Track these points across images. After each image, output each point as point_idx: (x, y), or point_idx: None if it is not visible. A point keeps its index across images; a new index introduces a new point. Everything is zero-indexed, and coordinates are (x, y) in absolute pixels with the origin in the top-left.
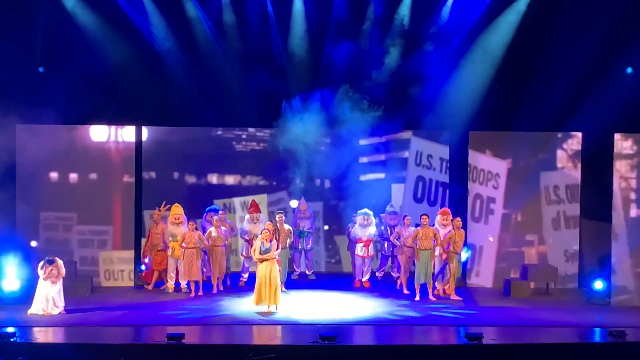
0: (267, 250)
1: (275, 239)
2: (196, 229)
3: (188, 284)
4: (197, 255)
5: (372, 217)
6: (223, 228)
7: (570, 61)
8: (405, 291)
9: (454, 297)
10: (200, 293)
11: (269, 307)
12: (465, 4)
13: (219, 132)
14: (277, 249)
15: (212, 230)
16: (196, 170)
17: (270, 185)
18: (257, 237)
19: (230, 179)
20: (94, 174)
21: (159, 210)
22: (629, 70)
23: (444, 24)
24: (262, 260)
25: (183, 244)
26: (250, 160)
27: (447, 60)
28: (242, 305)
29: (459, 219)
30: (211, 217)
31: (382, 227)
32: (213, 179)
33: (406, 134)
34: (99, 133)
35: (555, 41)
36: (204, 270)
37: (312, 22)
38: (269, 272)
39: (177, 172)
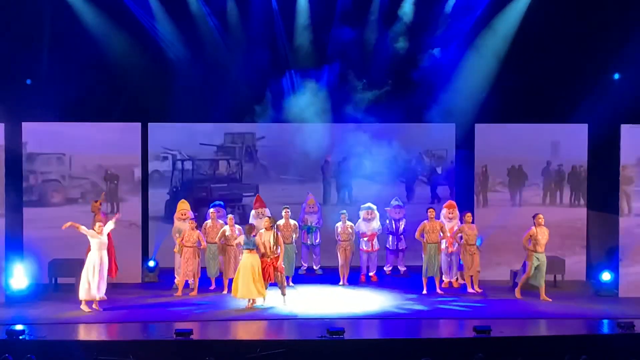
0: (248, 245)
1: (275, 235)
2: (196, 227)
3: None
4: (193, 254)
5: (376, 211)
6: (238, 226)
7: (575, 52)
8: (477, 289)
9: (545, 297)
10: (195, 293)
11: (261, 299)
12: None
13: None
14: (276, 245)
15: (226, 229)
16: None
17: (287, 179)
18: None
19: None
20: (102, 171)
21: (96, 202)
22: (616, 76)
23: (449, 16)
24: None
25: (182, 242)
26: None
27: (453, 51)
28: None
29: (541, 215)
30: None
31: (387, 221)
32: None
33: (415, 125)
34: (105, 130)
35: (560, 33)
36: (221, 267)
37: (317, 11)
38: (250, 264)
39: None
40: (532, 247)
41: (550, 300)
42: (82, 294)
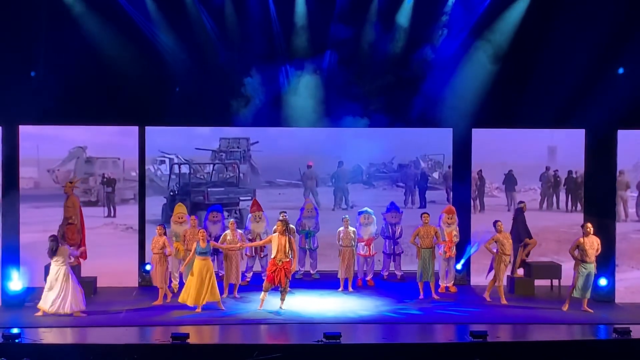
0: (204, 252)
1: (289, 238)
2: (165, 234)
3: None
4: (160, 261)
5: (373, 216)
6: (239, 231)
7: (573, 57)
8: (488, 299)
9: (587, 309)
10: (160, 302)
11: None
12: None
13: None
14: (290, 249)
15: (227, 233)
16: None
17: (284, 184)
18: (259, 236)
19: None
20: (98, 174)
21: (70, 183)
22: (621, 70)
23: (448, 19)
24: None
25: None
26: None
27: (450, 55)
28: (247, 305)
29: (589, 225)
30: (213, 217)
31: (383, 226)
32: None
33: (412, 129)
34: (102, 133)
35: (558, 37)
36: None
37: (315, 12)
38: (205, 270)
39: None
40: (579, 256)
41: (592, 311)
42: (42, 303)
